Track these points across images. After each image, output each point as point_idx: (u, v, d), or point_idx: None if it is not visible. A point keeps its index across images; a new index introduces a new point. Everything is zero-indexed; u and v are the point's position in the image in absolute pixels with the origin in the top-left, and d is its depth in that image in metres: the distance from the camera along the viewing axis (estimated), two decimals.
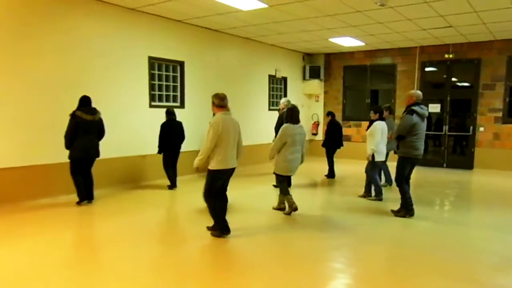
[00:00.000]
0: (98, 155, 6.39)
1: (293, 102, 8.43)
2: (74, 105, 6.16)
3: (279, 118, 8.31)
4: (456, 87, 11.77)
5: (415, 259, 4.28)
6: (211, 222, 4.93)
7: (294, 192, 6.23)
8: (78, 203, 6.27)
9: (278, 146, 5.79)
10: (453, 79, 11.49)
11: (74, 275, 3.81)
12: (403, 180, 5.83)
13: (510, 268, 4.18)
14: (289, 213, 5.89)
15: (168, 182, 7.67)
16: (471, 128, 10.78)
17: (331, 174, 9.05)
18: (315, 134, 13.07)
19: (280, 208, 6.09)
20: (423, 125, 5.75)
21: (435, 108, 11.12)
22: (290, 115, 5.87)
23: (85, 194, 6.30)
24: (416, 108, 5.66)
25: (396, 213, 5.90)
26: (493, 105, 10.55)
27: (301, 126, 5.93)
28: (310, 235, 5.16)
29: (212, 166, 4.65)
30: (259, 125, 10.80)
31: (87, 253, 4.51)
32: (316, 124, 13.14)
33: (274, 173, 6.02)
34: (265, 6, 7.31)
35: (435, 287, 3.63)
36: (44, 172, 6.56)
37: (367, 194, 7.07)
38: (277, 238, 5.09)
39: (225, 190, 4.93)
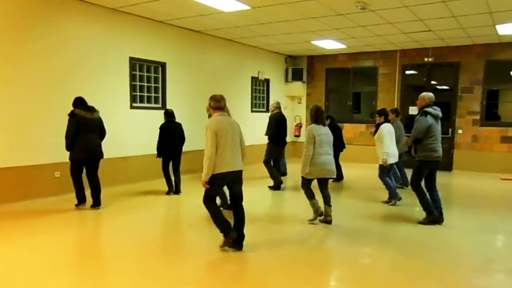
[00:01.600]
0: (102, 156, 6.25)
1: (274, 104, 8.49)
2: (55, 105, 6.08)
3: (270, 119, 8.31)
4: (436, 90, 11.97)
5: (398, 262, 4.32)
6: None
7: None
8: (77, 205, 6.18)
9: (311, 149, 5.35)
10: (433, 82, 11.68)
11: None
12: (419, 184, 5.64)
13: (492, 269, 4.26)
14: (313, 219, 5.53)
15: (165, 187, 7.41)
16: (450, 130, 10.97)
17: (339, 177, 8.77)
18: (297, 136, 13.12)
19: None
20: (438, 126, 5.60)
21: (415, 110, 11.22)
22: (316, 116, 5.52)
23: (93, 199, 6.17)
24: (429, 109, 5.53)
25: (424, 222, 5.65)
26: (472, 108, 10.77)
27: (323, 127, 5.56)
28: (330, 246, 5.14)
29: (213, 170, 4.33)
30: (242, 127, 10.70)
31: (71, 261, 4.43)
32: (299, 126, 13.19)
33: (302, 177, 5.56)
34: (247, 8, 7.30)
35: None
36: (28, 174, 6.43)
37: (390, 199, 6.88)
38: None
39: (239, 199, 4.54)
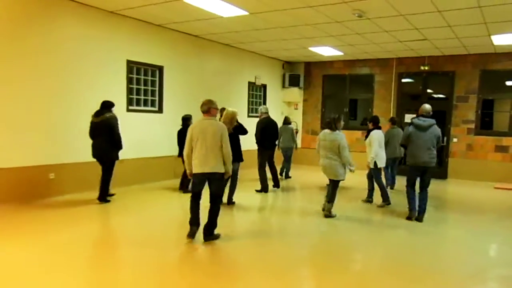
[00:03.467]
0: (108, 158, 6.61)
1: (272, 110, 8.55)
2: (52, 107, 6.09)
3: (257, 125, 8.38)
4: (432, 98, 12.05)
5: (387, 269, 4.34)
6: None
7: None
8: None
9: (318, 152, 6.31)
10: (429, 90, 11.76)
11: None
12: (409, 185, 6.27)
13: (483, 277, 4.27)
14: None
15: (166, 190, 7.65)
16: (445, 139, 11.03)
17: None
18: None
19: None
20: (422, 134, 6.03)
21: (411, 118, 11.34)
22: (327, 122, 6.32)
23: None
24: (414, 120, 6.17)
25: (408, 217, 6.26)
26: (467, 116, 10.84)
27: (328, 133, 6.21)
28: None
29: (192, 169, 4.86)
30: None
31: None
32: (295, 132, 13.18)
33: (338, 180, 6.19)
34: (245, 13, 7.35)
35: None
36: (23, 175, 6.41)
37: (385, 201, 7.22)
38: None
39: (213, 197, 4.88)
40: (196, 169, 4.79)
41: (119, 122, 6.69)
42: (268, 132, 8.31)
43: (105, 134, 6.46)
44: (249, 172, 9.01)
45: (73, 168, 7.09)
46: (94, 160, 6.64)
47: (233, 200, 6.96)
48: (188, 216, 4.90)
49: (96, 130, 6.47)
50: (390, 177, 8.72)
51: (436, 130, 6.08)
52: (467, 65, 10.74)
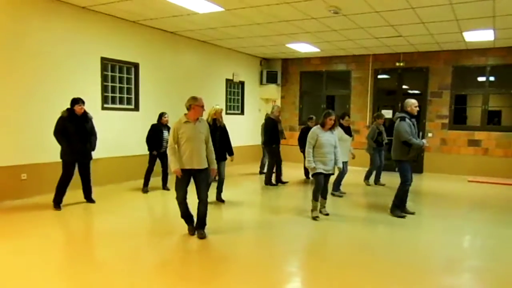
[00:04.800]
0: (90, 157, 6.58)
1: (250, 107, 8.56)
2: (24, 105, 5.88)
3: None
4: (407, 94, 12.26)
5: (365, 263, 4.38)
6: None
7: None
8: None
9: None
10: (404, 86, 11.95)
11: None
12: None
13: (456, 269, 4.37)
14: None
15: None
16: (421, 133, 11.21)
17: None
18: None
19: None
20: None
21: (387, 114, 11.49)
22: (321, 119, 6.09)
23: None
24: (401, 114, 6.22)
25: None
26: (440, 112, 11.08)
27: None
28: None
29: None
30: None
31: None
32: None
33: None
34: (221, 9, 7.30)
35: None
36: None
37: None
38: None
39: (200, 195, 4.96)
40: (185, 165, 4.84)
41: None
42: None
43: (90, 133, 6.41)
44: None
45: (47, 168, 6.89)
46: (49, 162, 6.59)
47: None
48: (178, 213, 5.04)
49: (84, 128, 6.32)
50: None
51: None
52: (440, 62, 10.96)
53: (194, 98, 4.89)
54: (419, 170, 11.15)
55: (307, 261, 4.62)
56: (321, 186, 5.95)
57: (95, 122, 7.26)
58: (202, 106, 4.90)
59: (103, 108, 8.05)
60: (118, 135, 8.16)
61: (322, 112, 12.36)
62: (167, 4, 7.05)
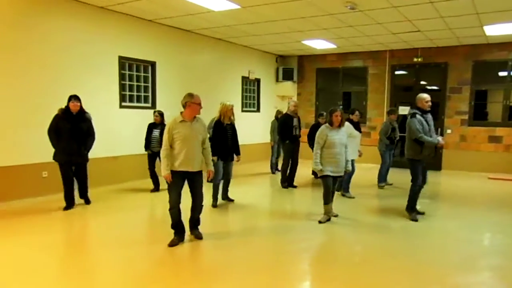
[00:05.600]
0: (87, 158, 6.35)
1: (266, 104, 8.52)
2: (44, 105, 5.99)
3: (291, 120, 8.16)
4: (425, 90, 12.07)
5: (382, 261, 4.35)
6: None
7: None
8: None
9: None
10: (422, 82, 11.77)
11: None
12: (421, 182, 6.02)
13: (474, 267, 4.30)
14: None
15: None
16: (439, 130, 11.06)
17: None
18: None
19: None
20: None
21: (404, 110, 11.36)
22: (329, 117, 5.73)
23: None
24: (415, 110, 5.91)
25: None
26: (460, 108, 10.88)
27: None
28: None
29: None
30: None
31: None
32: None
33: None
34: (237, 7, 7.30)
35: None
36: (15, 173, 6.36)
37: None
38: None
39: (196, 199, 4.73)
40: (181, 167, 4.52)
41: None
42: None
43: (87, 133, 6.16)
44: (240, 168, 8.98)
45: None
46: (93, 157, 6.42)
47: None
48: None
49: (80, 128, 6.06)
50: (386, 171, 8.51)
51: None
52: (460, 56, 10.75)
53: (190, 95, 4.52)
54: (438, 167, 10.98)
55: (319, 262, 4.61)
56: (330, 189, 5.67)
57: (113, 120, 7.37)
58: (199, 104, 4.53)
59: (121, 107, 8.15)
60: (136, 133, 8.24)
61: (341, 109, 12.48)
62: (183, 2, 7.09)
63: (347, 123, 6.64)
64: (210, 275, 3.98)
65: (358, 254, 4.71)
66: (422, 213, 6.16)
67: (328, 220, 5.74)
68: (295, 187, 8.22)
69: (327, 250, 4.90)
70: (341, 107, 11.57)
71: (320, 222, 5.66)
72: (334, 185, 5.81)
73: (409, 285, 3.72)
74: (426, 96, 5.91)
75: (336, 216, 5.91)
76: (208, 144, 4.77)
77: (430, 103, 5.92)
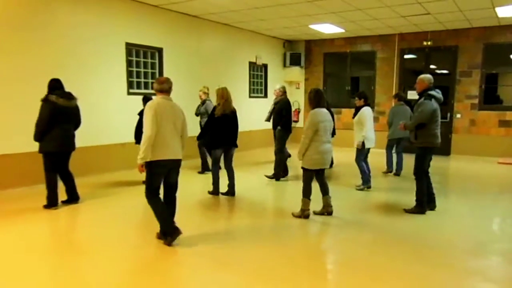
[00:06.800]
0: (74, 148, 5.56)
1: (273, 90, 8.33)
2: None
3: (280, 105, 7.38)
4: (435, 74, 11.88)
5: (390, 245, 4.36)
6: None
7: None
8: (47, 206, 5.35)
9: (310, 136, 4.96)
10: (432, 66, 11.61)
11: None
12: (422, 174, 5.38)
13: (483, 252, 4.29)
14: (298, 216, 5.17)
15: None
16: (449, 114, 10.95)
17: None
18: (296, 121, 13.07)
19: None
20: (439, 110, 5.28)
21: (414, 95, 11.21)
22: (318, 99, 5.07)
23: (69, 195, 5.58)
24: (433, 92, 5.20)
25: (410, 211, 5.47)
26: (470, 92, 10.74)
27: (327, 113, 5.16)
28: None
29: (150, 157, 3.99)
30: (239, 112, 10.64)
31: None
32: (297, 112, 13.16)
33: (302, 167, 5.15)
34: None
35: (410, 272, 3.69)
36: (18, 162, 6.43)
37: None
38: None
39: (174, 189, 4.35)
40: (163, 155, 4.06)
41: None
42: (290, 113, 7.56)
43: (73, 121, 5.49)
44: (246, 154, 8.98)
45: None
46: (77, 147, 5.61)
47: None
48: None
49: (67, 115, 5.34)
50: (398, 160, 7.97)
51: None
52: (470, 39, 10.57)
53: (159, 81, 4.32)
54: (447, 152, 10.89)
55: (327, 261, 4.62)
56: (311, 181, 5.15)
57: (121, 107, 7.36)
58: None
59: (129, 93, 8.16)
60: None
61: (347, 94, 12.38)
62: None
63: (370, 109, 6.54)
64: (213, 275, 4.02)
65: (367, 235, 4.71)
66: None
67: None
68: (285, 175, 7.69)
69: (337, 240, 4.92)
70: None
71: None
72: (322, 176, 5.32)
73: (418, 269, 3.72)
74: (421, 77, 5.39)
75: (330, 213, 5.35)
76: (187, 131, 4.46)
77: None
